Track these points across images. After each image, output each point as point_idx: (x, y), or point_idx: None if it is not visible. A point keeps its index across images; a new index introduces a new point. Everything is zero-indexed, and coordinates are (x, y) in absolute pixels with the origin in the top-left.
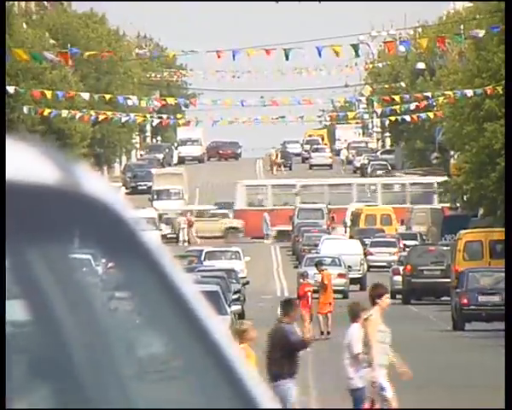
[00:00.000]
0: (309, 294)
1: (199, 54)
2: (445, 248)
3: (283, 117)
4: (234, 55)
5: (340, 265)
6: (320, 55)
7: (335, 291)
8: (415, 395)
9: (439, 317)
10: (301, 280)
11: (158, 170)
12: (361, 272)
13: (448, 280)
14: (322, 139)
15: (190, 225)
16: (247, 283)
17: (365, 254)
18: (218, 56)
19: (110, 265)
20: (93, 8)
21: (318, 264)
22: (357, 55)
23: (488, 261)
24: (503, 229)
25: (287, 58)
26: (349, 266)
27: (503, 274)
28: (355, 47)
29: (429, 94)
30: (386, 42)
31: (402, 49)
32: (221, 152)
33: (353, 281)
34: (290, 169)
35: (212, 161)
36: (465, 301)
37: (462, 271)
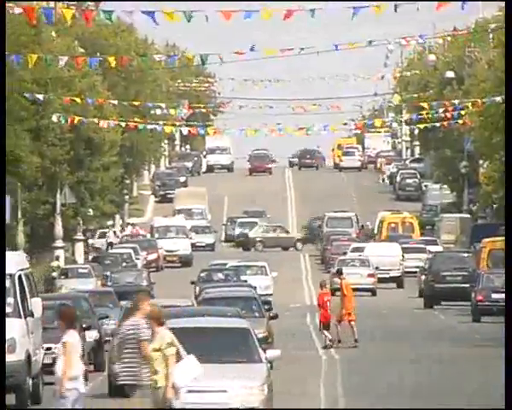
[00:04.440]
0: (328, 303)
1: (225, 58)
2: (465, 254)
3: (309, 128)
4: (252, 48)
5: (369, 266)
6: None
7: (365, 290)
8: None
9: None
10: (319, 289)
11: (179, 190)
12: (400, 271)
13: (467, 285)
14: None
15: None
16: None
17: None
18: (240, 53)
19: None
20: (120, 17)
21: (339, 272)
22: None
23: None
24: None
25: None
26: (382, 268)
27: None
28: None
29: (456, 101)
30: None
31: (431, 57)
32: (257, 165)
33: (392, 279)
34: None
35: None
36: (480, 297)
37: (478, 272)
